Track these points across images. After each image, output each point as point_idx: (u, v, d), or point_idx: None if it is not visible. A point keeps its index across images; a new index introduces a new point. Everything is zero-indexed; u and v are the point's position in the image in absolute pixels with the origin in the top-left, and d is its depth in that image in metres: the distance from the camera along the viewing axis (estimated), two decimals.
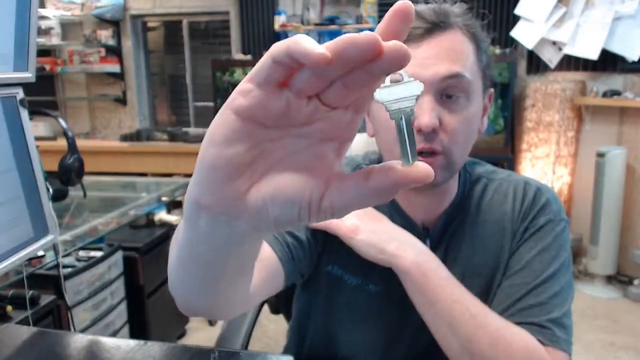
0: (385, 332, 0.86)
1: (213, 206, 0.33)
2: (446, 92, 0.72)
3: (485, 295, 0.81)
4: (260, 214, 0.32)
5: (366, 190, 0.31)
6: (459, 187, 0.86)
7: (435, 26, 0.72)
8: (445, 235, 0.85)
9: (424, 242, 0.82)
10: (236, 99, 0.30)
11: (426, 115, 0.70)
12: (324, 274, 0.87)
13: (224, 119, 0.31)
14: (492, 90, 0.82)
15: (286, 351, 1.03)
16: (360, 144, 1.17)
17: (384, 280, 0.82)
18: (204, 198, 0.33)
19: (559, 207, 0.84)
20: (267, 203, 0.31)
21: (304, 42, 0.28)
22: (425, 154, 0.72)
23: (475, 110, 0.76)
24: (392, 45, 0.27)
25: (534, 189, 0.85)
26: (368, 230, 0.79)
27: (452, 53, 0.71)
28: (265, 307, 1.27)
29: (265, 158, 0.32)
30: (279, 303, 1.33)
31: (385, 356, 0.87)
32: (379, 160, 0.91)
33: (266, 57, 0.30)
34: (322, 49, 0.27)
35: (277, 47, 0.30)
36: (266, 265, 0.70)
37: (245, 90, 0.30)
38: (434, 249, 0.83)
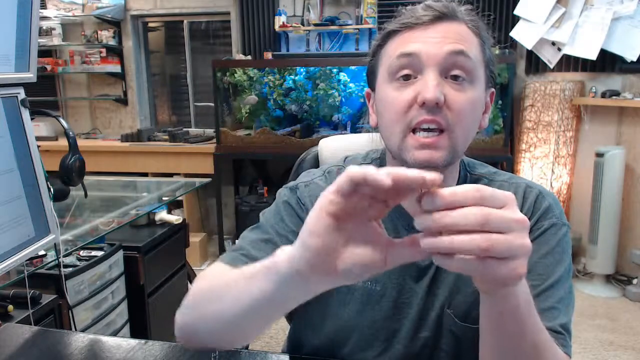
0: (383, 329, 0.86)
1: (312, 276, 0.49)
2: (452, 72, 0.73)
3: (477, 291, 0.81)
4: (346, 275, 0.49)
5: (416, 253, 0.48)
6: (458, 182, 0.87)
7: (443, 15, 0.74)
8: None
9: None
10: (328, 205, 0.46)
11: (431, 88, 0.71)
12: None
13: (320, 218, 0.47)
14: (493, 90, 0.83)
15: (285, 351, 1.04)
16: (362, 143, 1.18)
17: (380, 277, 0.84)
18: (308, 270, 0.49)
19: (561, 212, 0.84)
20: (353, 268, 0.48)
21: (374, 173, 0.43)
22: (431, 131, 0.73)
23: (478, 97, 0.76)
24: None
25: (536, 193, 0.85)
26: None
27: (458, 36, 0.73)
28: None
29: (346, 239, 0.48)
30: None
31: (383, 354, 0.87)
32: (381, 158, 0.92)
33: (346, 177, 0.45)
34: (387, 179, 0.43)
35: (355, 173, 0.44)
36: None
37: (333, 200, 0.46)
38: None
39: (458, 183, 0.86)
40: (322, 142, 1.23)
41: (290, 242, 0.76)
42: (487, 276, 0.49)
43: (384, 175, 0.42)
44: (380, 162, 0.92)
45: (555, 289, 0.76)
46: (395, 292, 0.84)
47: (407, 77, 0.74)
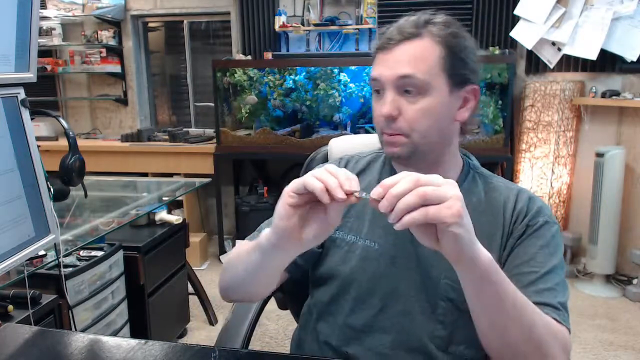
0: (380, 286, 0.96)
1: (284, 246, 0.76)
2: (404, 88, 0.90)
3: None
4: (307, 242, 0.75)
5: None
6: (461, 176, 0.99)
7: (407, 37, 0.90)
8: None
9: None
10: (287, 198, 0.72)
11: (386, 105, 0.91)
12: (327, 240, 0.98)
13: (283, 207, 0.72)
14: (474, 86, 0.94)
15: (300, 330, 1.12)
16: (370, 143, 1.21)
17: (376, 236, 0.97)
18: (279, 243, 0.76)
19: (552, 213, 0.96)
20: (313, 239, 0.75)
21: (311, 183, 0.69)
22: (390, 135, 0.93)
23: (435, 103, 0.90)
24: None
25: (527, 196, 0.97)
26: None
27: (411, 58, 0.89)
28: (266, 307, 1.28)
29: (304, 220, 0.74)
30: (287, 299, 1.35)
31: (381, 313, 0.95)
32: (369, 157, 1.10)
33: (301, 181, 0.70)
34: (316, 189, 0.69)
35: (310, 181, 0.69)
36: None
37: (291, 196, 0.72)
38: None
39: (461, 176, 0.99)
40: (332, 141, 1.34)
41: None
42: (435, 220, 0.65)
43: (318, 187, 0.68)
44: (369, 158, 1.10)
45: (553, 274, 0.88)
46: (392, 251, 0.96)
47: (378, 92, 0.94)
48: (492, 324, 0.78)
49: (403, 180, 0.66)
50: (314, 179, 0.68)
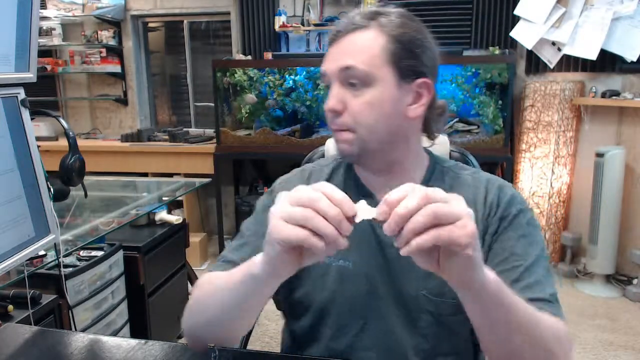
0: (359, 306, 0.92)
1: (281, 273, 0.69)
2: (349, 80, 0.86)
3: None
4: (308, 262, 0.67)
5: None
6: (426, 175, 0.95)
7: (354, 28, 0.87)
8: None
9: None
10: (279, 247, 0.64)
11: (331, 99, 0.87)
12: None
13: (278, 253, 0.65)
14: (425, 79, 0.88)
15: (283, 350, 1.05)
16: None
17: (351, 257, 0.91)
18: (276, 272, 0.69)
19: (523, 199, 0.93)
20: (314, 258, 0.66)
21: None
22: (337, 130, 0.89)
23: (381, 95, 0.86)
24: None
25: (498, 185, 0.93)
26: None
27: (353, 49, 0.86)
28: (266, 307, 1.28)
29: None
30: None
31: (361, 333, 0.92)
32: (332, 164, 1.05)
33: (293, 237, 0.62)
34: (327, 251, 0.63)
35: (303, 239, 0.61)
36: None
37: (282, 245, 0.63)
38: None
39: (427, 172, 0.96)
40: (329, 141, 1.31)
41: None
42: (448, 243, 0.57)
43: (319, 246, 0.60)
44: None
45: (536, 266, 0.84)
46: (365, 268, 0.91)
47: (328, 87, 0.90)
48: (499, 340, 0.73)
49: (411, 196, 0.58)
50: (308, 236, 0.60)
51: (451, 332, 0.89)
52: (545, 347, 0.74)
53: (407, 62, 0.87)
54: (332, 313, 0.93)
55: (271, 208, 0.64)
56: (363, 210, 0.61)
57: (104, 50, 4.27)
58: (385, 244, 0.91)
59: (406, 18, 0.89)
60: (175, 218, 2.53)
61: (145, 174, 3.97)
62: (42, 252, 1.55)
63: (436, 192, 0.59)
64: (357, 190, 0.95)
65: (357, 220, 0.61)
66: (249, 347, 1.15)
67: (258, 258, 0.70)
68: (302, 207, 0.60)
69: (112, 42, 4.25)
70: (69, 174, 1.31)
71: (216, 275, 0.85)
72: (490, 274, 0.65)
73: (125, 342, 0.95)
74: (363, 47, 0.86)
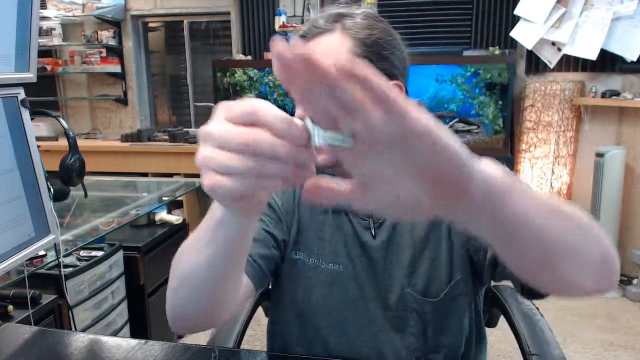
0: (350, 310, 0.91)
1: (244, 210, 0.52)
2: None
3: (433, 268, 0.88)
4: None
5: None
6: None
7: (319, 32, 0.83)
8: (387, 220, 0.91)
9: (369, 227, 0.91)
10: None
11: (298, 110, 0.72)
12: (287, 262, 0.94)
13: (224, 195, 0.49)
14: (396, 81, 0.85)
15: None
16: None
17: (339, 258, 0.91)
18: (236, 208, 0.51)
19: None
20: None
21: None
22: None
23: None
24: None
25: None
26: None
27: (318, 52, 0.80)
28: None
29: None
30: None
31: (355, 337, 0.91)
32: None
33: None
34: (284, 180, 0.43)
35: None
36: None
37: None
38: (378, 233, 0.91)
39: None
40: None
41: (252, 257, 0.86)
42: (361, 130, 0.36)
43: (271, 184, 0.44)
44: None
45: None
46: (353, 270, 0.91)
47: None
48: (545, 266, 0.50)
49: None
50: (256, 184, 0.42)
51: (440, 329, 0.89)
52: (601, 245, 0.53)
53: (375, 65, 0.82)
54: (324, 317, 0.92)
55: (199, 148, 0.44)
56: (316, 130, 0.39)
57: (104, 50, 4.27)
58: (369, 246, 0.91)
59: (372, 19, 0.85)
60: (175, 218, 2.53)
61: (145, 174, 3.97)
62: (42, 252, 1.55)
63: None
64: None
65: (315, 144, 0.40)
66: (249, 346, 1.15)
67: (216, 204, 0.55)
68: (233, 152, 0.41)
69: (112, 42, 4.25)
70: (69, 174, 1.31)
71: (184, 245, 0.67)
72: (490, 167, 0.40)
73: (125, 342, 0.95)
74: (328, 51, 0.82)
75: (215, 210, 0.56)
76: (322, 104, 0.35)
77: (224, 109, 0.43)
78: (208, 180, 0.45)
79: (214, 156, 0.42)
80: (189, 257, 0.62)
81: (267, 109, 0.40)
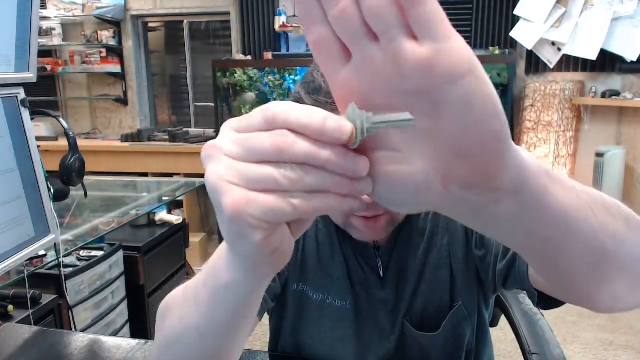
0: (353, 344, 0.88)
1: (261, 270, 0.38)
2: None
3: (440, 300, 0.85)
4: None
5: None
6: None
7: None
8: (395, 251, 0.88)
9: (375, 259, 0.87)
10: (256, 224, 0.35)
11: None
12: (290, 293, 0.91)
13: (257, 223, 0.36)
14: None
15: None
16: None
17: (347, 295, 0.87)
18: (254, 265, 0.38)
19: None
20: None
21: None
22: (369, 218, 0.76)
23: None
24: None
25: None
26: None
27: None
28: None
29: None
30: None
31: None
32: None
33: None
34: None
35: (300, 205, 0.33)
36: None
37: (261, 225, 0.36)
38: (386, 263, 0.87)
39: None
40: None
41: None
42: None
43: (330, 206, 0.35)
44: None
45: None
46: (358, 304, 0.88)
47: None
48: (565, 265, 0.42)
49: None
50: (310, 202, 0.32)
51: (429, 353, 0.88)
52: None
53: None
54: (324, 351, 0.90)
55: (207, 167, 0.35)
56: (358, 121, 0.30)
57: (104, 50, 4.27)
58: (376, 285, 0.88)
59: None
60: (175, 218, 2.53)
61: (145, 174, 3.97)
62: (42, 252, 1.55)
63: None
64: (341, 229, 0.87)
65: (357, 140, 0.31)
66: (249, 346, 1.15)
67: (221, 260, 0.41)
68: (261, 163, 0.32)
69: (112, 42, 4.25)
70: (69, 174, 1.31)
71: (177, 303, 0.57)
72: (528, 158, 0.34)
73: (125, 342, 0.95)
74: None
75: (218, 274, 0.41)
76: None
77: (232, 122, 0.34)
78: (233, 197, 0.33)
79: (238, 167, 0.32)
80: (183, 334, 0.51)
81: (289, 108, 0.31)
